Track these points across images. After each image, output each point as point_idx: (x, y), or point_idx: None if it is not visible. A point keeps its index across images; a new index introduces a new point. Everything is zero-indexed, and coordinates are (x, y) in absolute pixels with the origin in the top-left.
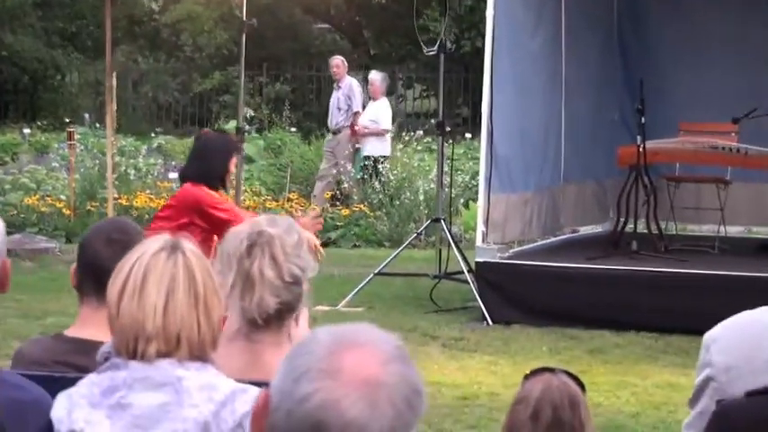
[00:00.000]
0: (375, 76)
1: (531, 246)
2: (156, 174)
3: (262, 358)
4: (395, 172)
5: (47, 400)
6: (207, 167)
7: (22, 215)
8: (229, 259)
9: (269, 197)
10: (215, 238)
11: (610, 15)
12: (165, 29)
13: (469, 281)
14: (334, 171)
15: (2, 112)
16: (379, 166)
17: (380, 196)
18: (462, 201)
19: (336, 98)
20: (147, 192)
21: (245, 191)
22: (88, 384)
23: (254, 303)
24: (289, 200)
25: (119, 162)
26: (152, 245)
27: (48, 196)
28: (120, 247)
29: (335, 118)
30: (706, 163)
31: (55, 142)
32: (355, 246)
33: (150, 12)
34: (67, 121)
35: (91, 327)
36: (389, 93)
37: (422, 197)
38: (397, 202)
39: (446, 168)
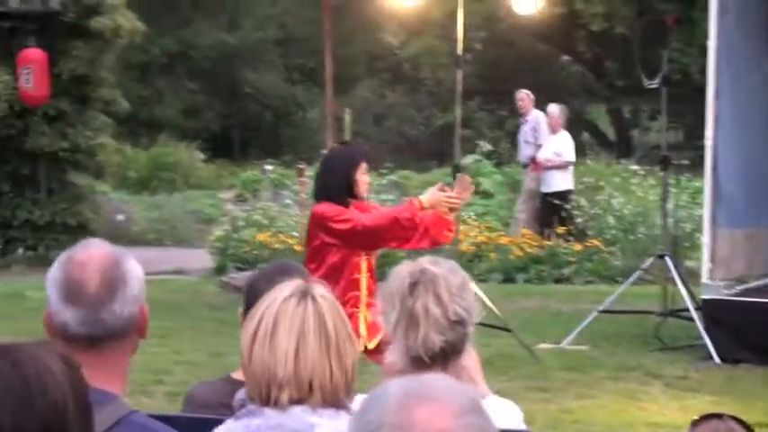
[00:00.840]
0: (554, 109)
1: (759, 283)
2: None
3: None
4: (628, 207)
5: None
6: (327, 182)
7: (255, 251)
8: (392, 297)
9: (503, 232)
10: (361, 254)
11: None
12: (406, 63)
13: (695, 318)
14: (520, 208)
15: (245, 149)
16: (565, 202)
17: (615, 231)
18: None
19: (524, 132)
20: None
21: (478, 226)
22: (225, 431)
23: (418, 341)
24: (523, 235)
25: None
26: (283, 291)
27: (280, 233)
28: None
29: (524, 151)
30: None
31: (291, 179)
32: (588, 282)
33: (390, 47)
34: (299, 158)
35: None
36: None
37: (658, 232)
38: (632, 237)
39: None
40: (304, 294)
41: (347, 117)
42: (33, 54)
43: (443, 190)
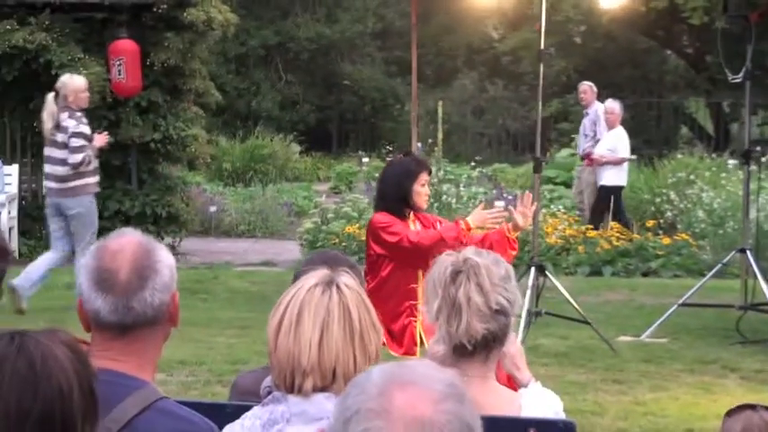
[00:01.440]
0: (613, 104)
1: None
2: (479, 201)
3: (468, 390)
4: (718, 201)
5: (211, 430)
6: (384, 192)
7: (344, 243)
8: (434, 286)
9: (591, 226)
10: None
11: None
12: (505, 57)
13: None
14: (577, 200)
15: (343, 141)
16: (615, 197)
17: (704, 225)
18: None
19: (584, 124)
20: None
21: (567, 219)
22: (252, 417)
23: (461, 329)
24: (612, 228)
25: (442, 190)
26: (309, 280)
27: None
28: None
29: (583, 144)
30: None
31: None
32: (676, 276)
33: (490, 39)
34: (389, 149)
35: None
36: None
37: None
38: (722, 232)
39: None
40: (329, 284)
41: (440, 110)
42: (125, 45)
43: (486, 208)
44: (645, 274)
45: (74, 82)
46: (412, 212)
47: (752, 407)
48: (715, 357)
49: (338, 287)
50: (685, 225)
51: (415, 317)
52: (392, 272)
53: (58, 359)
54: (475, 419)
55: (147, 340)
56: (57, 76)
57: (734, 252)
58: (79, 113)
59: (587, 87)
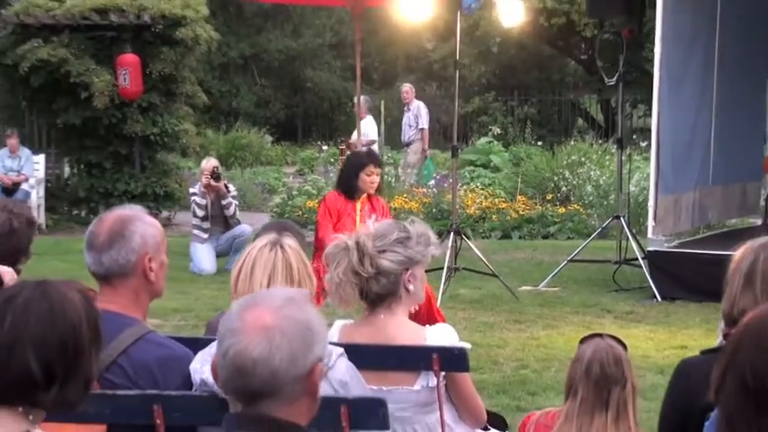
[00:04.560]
0: (407, 86)
1: (695, 237)
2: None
3: (385, 327)
4: (603, 178)
5: (189, 356)
6: (340, 177)
7: (305, 215)
8: (334, 258)
9: (504, 199)
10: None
11: (764, 42)
12: (436, 64)
13: (643, 266)
14: (402, 177)
15: (306, 133)
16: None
17: (591, 198)
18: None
19: (407, 117)
20: (405, 196)
21: (483, 193)
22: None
23: (365, 265)
24: (519, 201)
25: (384, 172)
26: (261, 241)
27: None
28: None
29: (407, 134)
30: None
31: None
32: (569, 238)
33: (425, 50)
34: (341, 139)
35: None
36: None
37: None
38: (605, 203)
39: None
40: (275, 243)
41: (382, 107)
42: (129, 58)
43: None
44: (545, 237)
45: None
46: (364, 195)
47: (600, 335)
48: (596, 302)
49: (282, 246)
50: (577, 198)
51: None
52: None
53: (72, 301)
54: (314, 321)
55: (122, 287)
56: (75, 84)
57: (611, 219)
58: None
59: (408, 88)
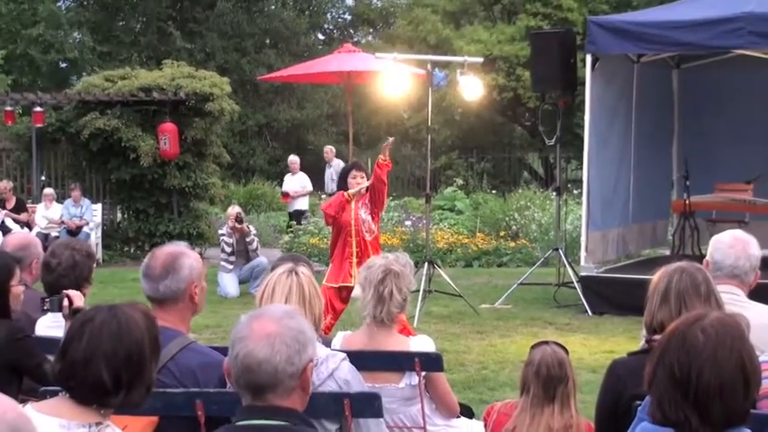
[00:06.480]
0: (294, 158)
1: (618, 264)
2: (393, 222)
3: (385, 340)
4: (545, 219)
5: (224, 362)
6: (338, 181)
7: (309, 249)
8: (369, 282)
9: (466, 236)
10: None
11: (670, 113)
12: (411, 129)
13: (577, 287)
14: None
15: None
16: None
17: (536, 234)
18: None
19: (330, 173)
20: (388, 234)
21: (450, 231)
22: None
23: (383, 313)
24: (478, 237)
25: None
26: (279, 270)
27: (325, 237)
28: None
29: (329, 186)
30: (732, 210)
31: None
32: (518, 266)
33: (402, 118)
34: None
35: None
36: None
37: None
38: (546, 238)
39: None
40: (291, 271)
41: (369, 163)
42: (168, 126)
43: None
44: (499, 266)
45: None
46: (357, 195)
47: (546, 342)
48: (540, 316)
49: (297, 273)
50: (524, 234)
51: (350, 259)
52: (336, 233)
53: (136, 320)
54: (307, 330)
55: (173, 310)
56: (125, 147)
57: (551, 250)
58: None
59: (329, 149)
